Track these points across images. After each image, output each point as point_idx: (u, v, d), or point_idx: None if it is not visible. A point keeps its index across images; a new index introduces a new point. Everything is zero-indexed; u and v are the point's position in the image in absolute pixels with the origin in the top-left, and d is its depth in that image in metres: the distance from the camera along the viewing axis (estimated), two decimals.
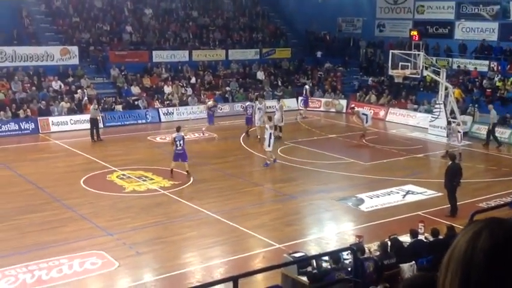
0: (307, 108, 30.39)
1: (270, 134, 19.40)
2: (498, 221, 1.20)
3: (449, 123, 23.40)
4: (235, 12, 38.42)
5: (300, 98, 31.06)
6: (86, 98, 27.36)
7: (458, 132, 21.40)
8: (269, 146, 19.43)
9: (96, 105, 24.63)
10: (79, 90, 27.92)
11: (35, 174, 18.42)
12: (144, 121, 27.89)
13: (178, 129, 18.31)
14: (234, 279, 6.19)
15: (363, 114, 25.02)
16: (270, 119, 20.37)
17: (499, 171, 19.77)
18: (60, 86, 28.13)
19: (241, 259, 12.10)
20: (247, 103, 26.34)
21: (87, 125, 26.02)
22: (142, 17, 34.29)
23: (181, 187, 17.17)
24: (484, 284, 1.10)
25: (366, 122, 24.65)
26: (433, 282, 1.42)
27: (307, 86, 31.11)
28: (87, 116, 26.29)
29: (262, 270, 9.03)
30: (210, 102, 26.12)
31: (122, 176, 18.20)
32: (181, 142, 17.91)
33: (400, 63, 26.54)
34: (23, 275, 10.94)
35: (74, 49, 29.65)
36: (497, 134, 24.24)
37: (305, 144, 23.07)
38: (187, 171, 18.03)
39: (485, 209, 11.09)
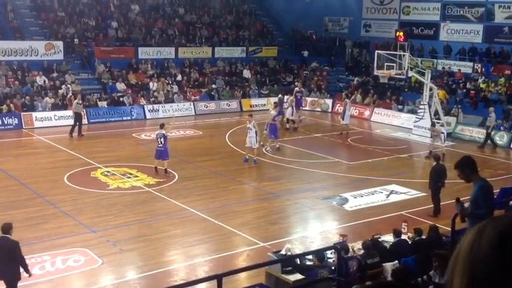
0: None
1: (256, 132, 19.47)
2: (499, 216, 1.20)
3: (433, 124, 23.63)
4: (222, 10, 38.37)
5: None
6: (70, 93, 27.14)
7: (442, 133, 21.58)
8: (257, 142, 19.58)
9: (80, 100, 24.44)
10: (63, 86, 27.68)
11: (18, 170, 18.24)
12: (129, 118, 27.73)
13: (161, 126, 18.26)
14: (218, 278, 6.18)
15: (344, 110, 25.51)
16: (251, 116, 20.49)
17: (482, 172, 19.89)
18: (45, 81, 27.87)
19: (225, 257, 12.10)
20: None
21: (72, 121, 25.86)
22: (129, 13, 34.10)
23: (166, 185, 17.12)
24: (494, 278, 1.09)
25: (343, 119, 25.10)
26: None
27: (297, 88, 29.33)
28: (71, 112, 26.12)
29: (246, 268, 9.05)
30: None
31: (106, 173, 18.09)
32: (162, 140, 17.84)
33: (386, 64, 26.71)
34: None
35: (59, 44, 29.39)
36: (481, 136, 24.55)
37: (290, 143, 23.11)
38: (165, 170, 17.95)
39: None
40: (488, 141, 23.99)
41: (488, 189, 6.99)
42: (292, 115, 25.63)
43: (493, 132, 24.07)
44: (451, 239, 7.42)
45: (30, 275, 9.57)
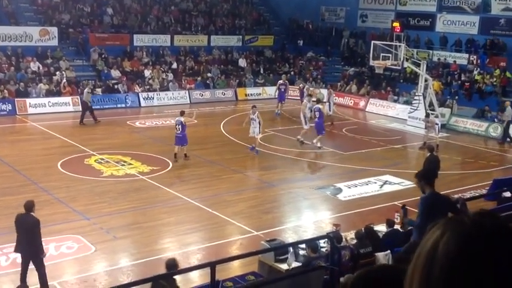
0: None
1: (259, 122, 19.51)
2: (461, 222, 1.16)
3: (427, 115, 23.63)
4: None
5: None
6: (64, 80, 27.02)
7: (436, 124, 21.62)
8: (260, 132, 19.74)
9: (90, 89, 24.46)
10: (58, 72, 27.53)
11: (12, 156, 18.19)
12: (123, 105, 27.64)
13: (181, 114, 18.63)
14: (212, 265, 6.21)
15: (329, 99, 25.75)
16: (254, 107, 20.50)
17: (475, 163, 20.05)
18: (39, 68, 27.72)
19: (218, 245, 12.13)
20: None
21: (66, 108, 25.90)
22: (124, 0, 33.87)
23: (160, 173, 17.10)
24: (453, 280, 1.09)
25: (329, 109, 25.06)
26: (396, 276, 1.38)
27: (281, 80, 28.51)
28: (65, 99, 26.12)
29: (239, 256, 9.08)
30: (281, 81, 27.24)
31: (100, 160, 18.06)
32: (180, 126, 18.15)
33: (382, 54, 26.66)
34: None
35: (54, 30, 29.20)
36: (474, 127, 24.66)
37: (285, 132, 23.09)
38: (185, 154, 18.33)
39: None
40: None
41: (428, 202, 7.21)
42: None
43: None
44: None
45: (44, 254, 9.69)
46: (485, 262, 1.07)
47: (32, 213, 9.51)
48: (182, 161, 18.29)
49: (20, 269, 9.65)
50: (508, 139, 23.49)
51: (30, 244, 9.40)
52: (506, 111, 23.66)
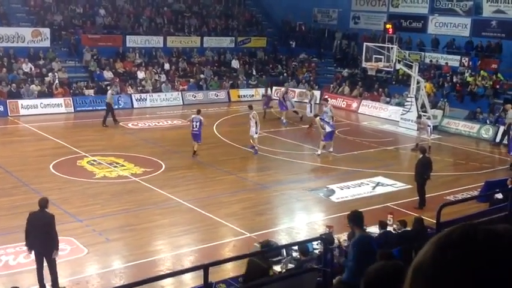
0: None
1: (256, 122, 19.64)
2: (440, 234, 1.17)
3: (419, 116, 23.74)
4: None
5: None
6: (56, 81, 26.93)
7: (428, 126, 21.71)
8: (257, 132, 19.85)
9: (113, 91, 24.71)
10: (50, 74, 27.43)
11: (3, 157, 18.10)
12: (116, 107, 27.44)
13: (198, 112, 19.42)
14: (205, 268, 6.20)
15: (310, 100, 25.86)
16: (251, 107, 20.65)
17: (467, 165, 20.15)
18: (31, 69, 27.60)
19: (211, 247, 12.13)
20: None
21: (58, 109, 25.90)
22: (117, 1, 33.81)
23: (153, 174, 17.07)
24: None
25: (310, 111, 25.04)
26: (399, 271, 1.42)
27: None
28: (57, 100, 26.05)
29: (232, 259, 9.07)
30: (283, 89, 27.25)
31: (92, 162, 18.01)
32: (197, 124, 18.82)
33: (374, 56, 26.73)
34: None
35: (46, 31, 29.09)
36: (467, 129, 24.82)
37: (278, 134, 23.12)
38: (194, 151, 18.89)
39: (453, 202, 11.25)
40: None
41: (359, 245, 7.48)
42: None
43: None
44: (436, 231, 7.48)
45: (56, 253, 9.76)
46: (458, 268, 1.08)
47: (47, 210, 9.63)
48: (192, 157, 18.81)
49: (35, 267, 9.70)
50: (505, 142, 23.53)
51: (45, 241, 9.50)
52: (508, 114, 23.55)
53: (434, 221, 11.92)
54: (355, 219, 7.75)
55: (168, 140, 21.82)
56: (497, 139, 23.68)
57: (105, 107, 24.13)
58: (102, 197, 14.90)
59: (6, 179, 15.99)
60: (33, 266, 10.10)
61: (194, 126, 18.93)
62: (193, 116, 19.30)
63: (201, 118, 19.10)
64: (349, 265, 7.53)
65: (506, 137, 23.11)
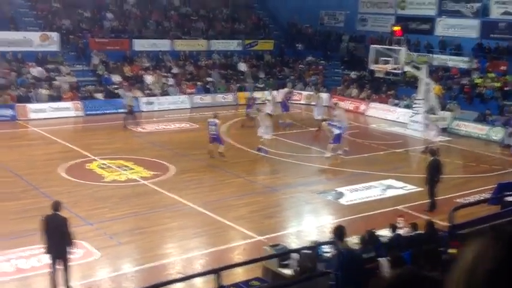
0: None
1: (267, 123, 20.03)
2: (503, 231, 1.19)
3: (428, 111, 23.69)
4: (218, 3, 38.21)
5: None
6: (65, 85, 27.03)
7: (436, 126, 21.66)
8: (267, 133, 20.08)
9: (133, 94, 25.08)
10: (58, 77, 27.53)
11: (13, 161, 18.17)
12: (124, 110, 27.54)
13: (215, 116, 19.49)
14: (217, 272, 6.20)
15: (317, 103, 25.56)
16: (259, 110, 21.13)
17: (478, 167, 20.05)
18: (39, 73, 27.70)
19: (221, 251, 12.11)
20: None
21: (67, 113, 26.04)
22: (124, 4, 33.93)
23: (161, 177, 17.08)
24: None
25: (317, 114, 24.91)
26: (421, 279, 1.44)
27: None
28: (66, 104, 26.18)
29: (244, 263, 9.04)
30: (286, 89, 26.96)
31: (101, 165, 18.04)
32: (214, 127, 18.96)
33: (381, 58, 26.65)
34: (1, 264, 10.82)
35: (54, 35, 29.22)
36: (476, 131, 24.71)
37: (286, 137, 23.10)
38: (219, 153, 19.02)
39: (464, 205, 11.19)
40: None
41: (341, 258, 7.78)
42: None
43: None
44: (448, 233, 7.45)
45: (72, 253, 9.82)
46: None
47: (59, 213, 9.68)
48: (218, 158, 19.03)
49: (48, 270, 9.73)
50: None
51: (60, 243, 9.54)
52: None
53: (446, 224, 11.91)
54: (338, 233, 8.15)
55: (176, 143, 21.85)
56: (506, 141, 23.59)
57: (124, 111, 24.73)
58: (111, 200, 14.92)
59: (16, 182, 16.05)
60: (44, 270, 10.14)
61: (211, 130, 19.01)
62: (209, 119, 19.37)
63: (217, 121, 19.22)
64: (336, 275, 7.80)
65: None
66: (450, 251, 7.36)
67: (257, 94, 31.25)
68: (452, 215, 7.15)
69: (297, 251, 10.10)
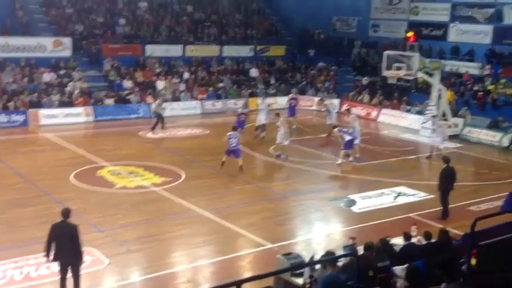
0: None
1: (285, 129, 20.38)
2: None
3: (435, 116, 23.54)
4: (230, 8, 38.27)
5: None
6: (77, 90, 27.15)
7: (442, 132, 21.51)
8: (286, 139, 20.34)
9: (162, 101, 25.47)
10: (70, 83, 27.66)
11: (24, 167, 18.24)
12: (135, 116, 27.70)
13: (234, 129, 19.13)
14: (238, 284, 6.00)
15: (328, 110, 25.26)
16: (278, 114, 21.26)
17: (490, 174, 19.83)
18: (52, 78, 27.84)
19: (232, 259, 12.03)
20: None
21: (78, 118, 26.25)
22: (137, 10, 34.06)
23: (172, 184, 17.05)
24: None
25: (330, 119, 24.78)
26: None
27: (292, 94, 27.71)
28: (78, 109, 26.32)
29: (267, 275, 8.81)
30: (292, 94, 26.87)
31: (112, 172, 18.05)
32: (235, 140, 18.52)
33: (394, 65, 26.46)
34: (11, 271, 10.82)
35: (67, 41, 29.36)
36: (488, 138, 24.49)
37: (297, 143, 22.98)
38: (240, 166, 18.56)
39: (486, 216, 10.84)
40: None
41: (326, 283, 7.75)
42: (263, 120, 23.62)
43: None
44: (471, 243, 7.30)
45: (82, 261, 9.79)
46: None
47: (69, 220, 9.64)
48: (237, 171, 18.52)
49: (58, 278, 9.72)
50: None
51: (69, 251, 9.50)
52: None
53: (458, 232, 11.75)
54: (330, 258, 8.34)
55: (187, 149, 21.83)
56: None
57: (154, 116, 25.19)
58: (122, 207, 14.91)
59: (27, 188, 16.09)
60: (54, 277, 10.11)
61: (232, 143, 18.49)
62: (228, 133, 18.67)
63: (238, 134, 18.97)
64: None
65: None
66: (472, 261, 7.20)
67: (268, 100, 31.10)
68: (474, 225, 6.99)
69: (319, 261, 9.93)
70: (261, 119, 23.39)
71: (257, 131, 23.56)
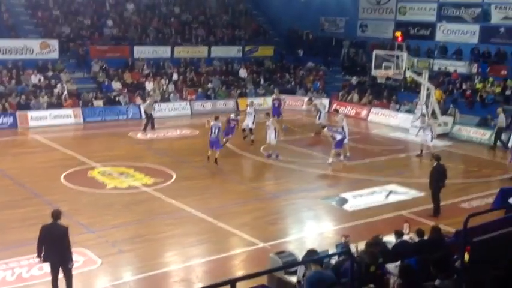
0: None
1: (274, 128, 20.28)
2: None
3: (424, 115, 23.65)
4: (217, 9, 38.23)
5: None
6: (65, 92, 26.97)
7: (432, 129, 21.62)
8: (275, 138, 20.36)
9: (152, 101, 25.59)
10: (58, 85, 27.48)
11: (14, 169, 18.08)
12: (124, 117, 27.59)
13: (216, 119, 19.22)
14: (232, 283, 5.99)
15: (319, 110, 25.27)
16: (268, 114, 21.42)
17: (480, 172, 19.97)
18: (40, 80, 27.66)
19: (225, 258, 12.00)
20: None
21: (67, 120, 26.04)
22: (124, 12, 33.91)
23: (163, 184, 16.97)
24: None
25: (319, 118, 24.80)
26: None
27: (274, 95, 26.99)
28: (66, 111, 26.14)
29: (263, 272, 8.80)
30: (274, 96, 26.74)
31: (103, 173, 17.95)
32: (216, 131, 18.81)
33: (383, 64, 26.58)
34: (3, 272, 10.72)
35: (54, 43, 29.17)
36: (478, 136, 24.72)
37: (288, 143, 22.98)
38: (215, 159, 18.79)
39: (479, 213, 10.91)
40: (498, 142, 23.76)
41: (311, 281, 7.60)
42: (250, 124, 23.01)
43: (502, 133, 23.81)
44: (463, 240, 7.32)
45: (71, 264, 9.68)
46: None
47: (59, 221, 9.56)
48: (213, 164, 18.81)
49: (50, 278, 9.65)
50: (501, 144, 23.53)
51: (60, 252, 9.43)
52: (499, 118, 23.68)
53: (450, 229, 11.80)
54: (312, 255, 8.25)
55: (177, 149, 21.78)
56: (510, 144, 23.54)
57: (146, 116, 25.26)
58: (113, 208, 14.82)
59: (17, 190, 15.95)
60: (46, 278, 10.03)
61: (213, 133, 18.88)
62: (212, 122, 19.10)
63: (220, 125, 19.13)
64: None
65: (499, 142, 23.62)
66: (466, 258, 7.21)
67: (258, 100, 31.05)
68: (467, 222, 7.00)
69: (312, 260, 9.93)
70: (248, 123, 23.20)
71: (244, 132, 23.47)
